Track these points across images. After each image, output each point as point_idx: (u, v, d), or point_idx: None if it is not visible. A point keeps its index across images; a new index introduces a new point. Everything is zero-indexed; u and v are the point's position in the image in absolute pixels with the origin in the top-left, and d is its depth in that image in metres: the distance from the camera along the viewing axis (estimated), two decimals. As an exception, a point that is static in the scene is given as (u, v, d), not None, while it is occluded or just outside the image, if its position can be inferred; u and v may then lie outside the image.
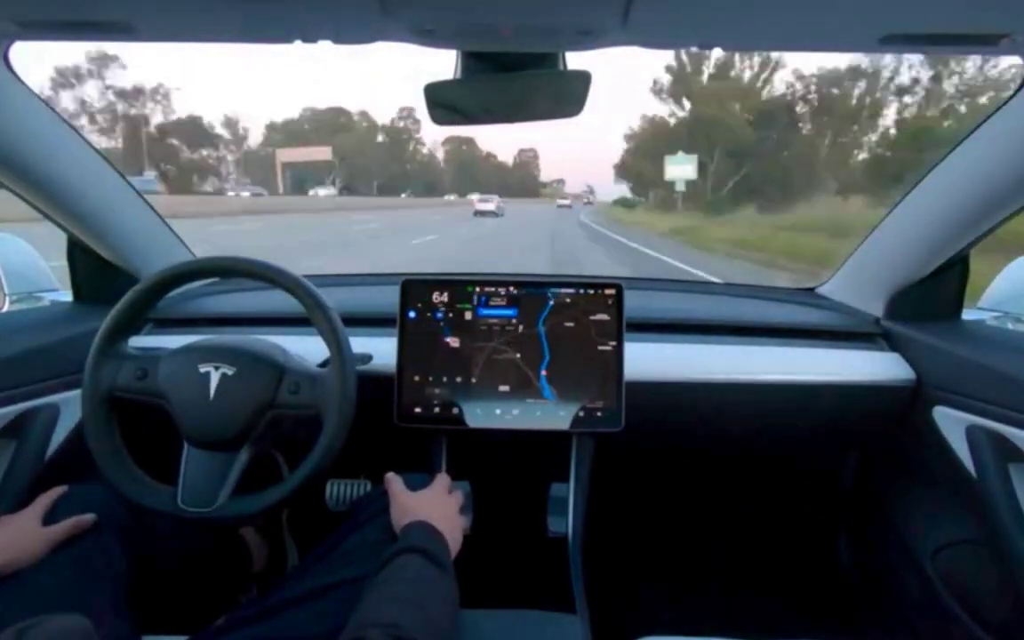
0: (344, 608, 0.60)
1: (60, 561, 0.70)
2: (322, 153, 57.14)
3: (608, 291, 0.98)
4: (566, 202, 46.95)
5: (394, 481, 0.79)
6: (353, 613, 0.57)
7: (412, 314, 0.98)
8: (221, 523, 0.82)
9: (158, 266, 0.87)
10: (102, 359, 0.79)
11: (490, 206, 27.60)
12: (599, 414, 0.96)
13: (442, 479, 0.83)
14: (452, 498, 0.80)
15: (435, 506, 0.75)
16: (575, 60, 0.69)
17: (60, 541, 0.71)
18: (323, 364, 0.85)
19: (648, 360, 1.03)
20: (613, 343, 0.96)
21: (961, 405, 0.92)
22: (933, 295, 1.05)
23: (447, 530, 0.72)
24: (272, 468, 1.12)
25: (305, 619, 0.68)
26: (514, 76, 0.70)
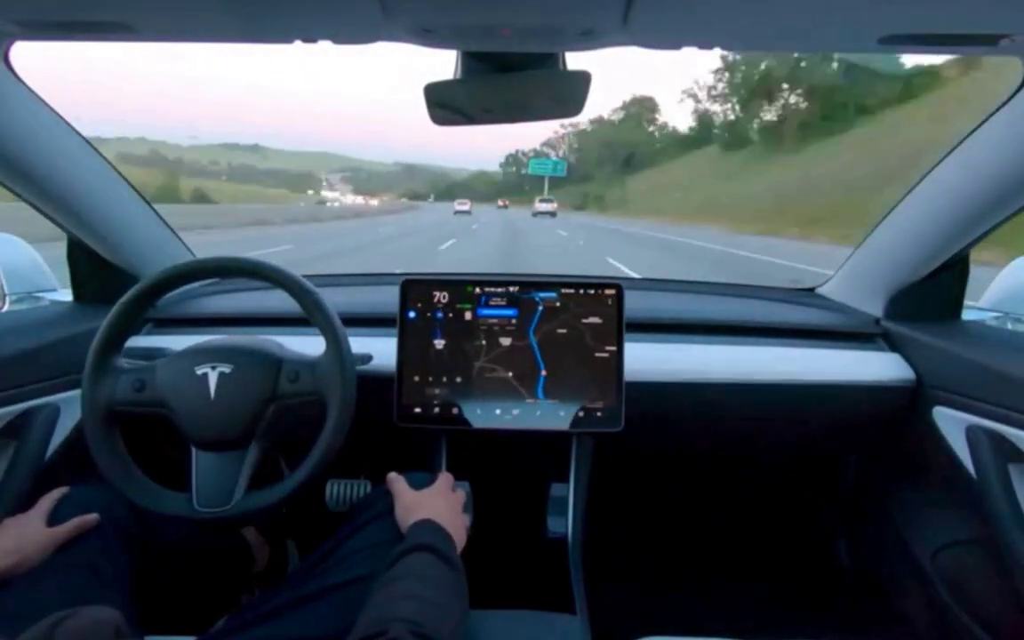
0: (350, 608, 0.60)
1: (65, 562, 0.70)
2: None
3: (608, 291, 0.98)
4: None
5: (397, 480, 0.79)
6: (366, 608, 0.57)
7: (412, 314, 0.98)
8: (240, 520, 0.82)
9: (158, 266, 0.87)
10: (98, 374, 0.79)
11: (465, 207, 38.75)
12: (599, 414, 0.96)
13: (445, 478, 0.83)
14: (455, 496, 0.81)
15: (440, 504, 0.75)
16: (575, 60, 0.70)
17: (65, 542, 0.71)
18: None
19: (648, 360, 1.03)
20: (611, 349, 0.96)
21: (961, 405, 0.92)
22: (933, 295, 1.05)
23: (452, 528, 0.72)
24: (273, 469, 1.12)
25: (310, 620, 0.68)
26: (514, 76, 0.70)
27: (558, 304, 0.98)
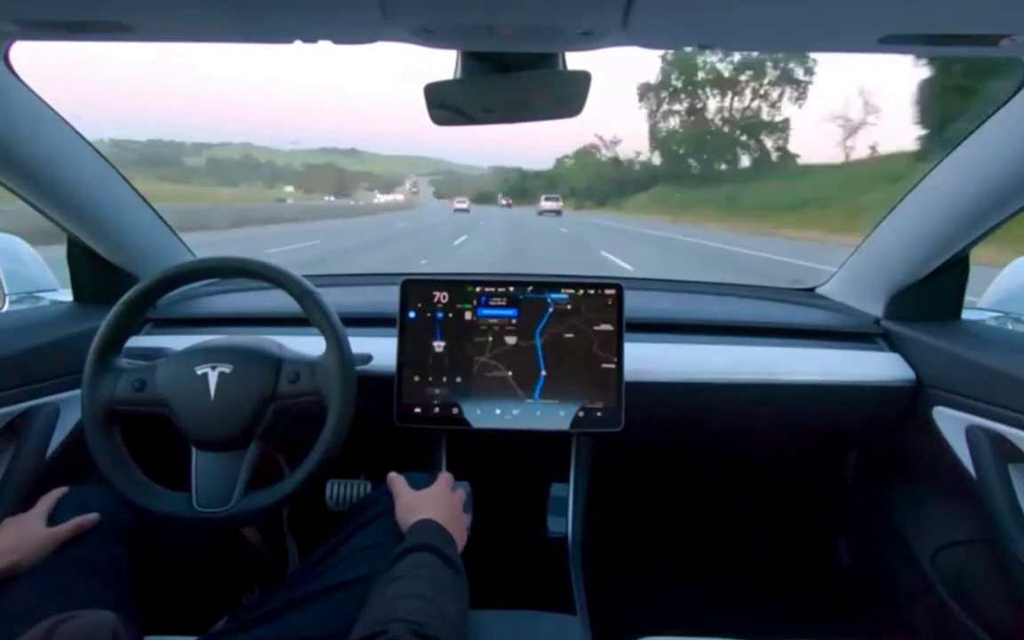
0: (350, 608, 0.60)
1: (65, 561, 0.70)
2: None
3: (608, 291, 0.98)
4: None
5: (397, 480, 0.79)
6: (366, 608, 0.57)
7: (412, 314, 0.98)
8: (240, 520, 0.82)
9: (158, 266, 0.87)
10: (98, 374, 0.79)
11: (463, 206, 41.33)
12: (599, 414, 0.96)
13: (445, 478, 0.83)
14: (456, 496, 0.81)
15: (440, 504, 0.75)
16: (575, 60, 0.70)
17: (65, 541, 0.71)
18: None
19: (648, 360, 1.03)
20: (616, 360, 0.96)
21: (961, 405, 0.92)
22: (933, 295, 1.05)
23: (453, 528, 0.72)
24: (273, 469, 1.13)
25: (312, 619, 0.68)
26: (514, 76, 0.70)
27: (569, 306, 0.98)
